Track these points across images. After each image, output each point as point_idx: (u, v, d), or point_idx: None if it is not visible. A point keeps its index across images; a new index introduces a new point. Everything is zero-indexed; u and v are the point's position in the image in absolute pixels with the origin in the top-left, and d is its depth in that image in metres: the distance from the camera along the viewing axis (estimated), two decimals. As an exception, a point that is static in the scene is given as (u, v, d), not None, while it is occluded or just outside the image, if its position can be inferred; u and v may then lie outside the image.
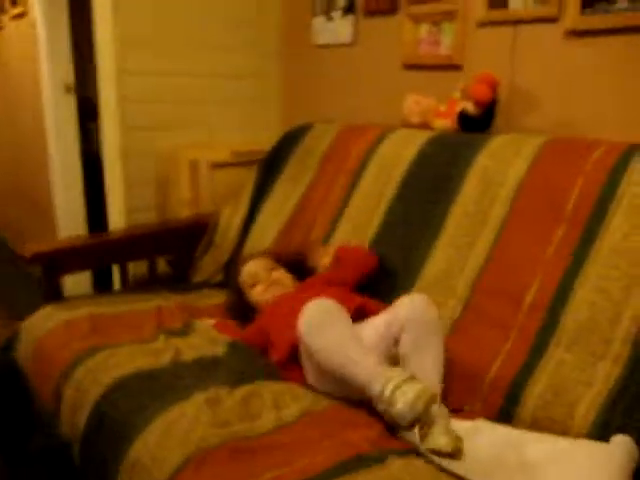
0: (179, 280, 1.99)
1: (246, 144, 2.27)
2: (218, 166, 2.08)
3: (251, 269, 1.68)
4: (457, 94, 1.78)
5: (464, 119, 1.69)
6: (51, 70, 2.75)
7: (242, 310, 1.65)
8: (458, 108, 1.72)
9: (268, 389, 1.25)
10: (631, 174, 1.26)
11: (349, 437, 1.10)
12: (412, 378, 1.12)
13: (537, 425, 1.18)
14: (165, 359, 1.38)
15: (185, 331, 1.55)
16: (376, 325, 1.31)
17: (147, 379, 1.29)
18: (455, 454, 1.07)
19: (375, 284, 1.57)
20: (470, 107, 1.67)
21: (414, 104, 1.79)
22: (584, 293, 1.22)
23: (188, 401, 1.18)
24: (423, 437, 1.08)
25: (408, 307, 1.28)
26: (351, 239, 1.69)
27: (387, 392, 1.09)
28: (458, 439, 1.07)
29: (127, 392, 1.25)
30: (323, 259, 1.67)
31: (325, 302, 1.25)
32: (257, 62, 2.37)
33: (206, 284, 1.95)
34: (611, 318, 1.17)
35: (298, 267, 1.70)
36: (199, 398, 1.18)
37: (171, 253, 1.99)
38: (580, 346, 1.20)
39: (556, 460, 1.06)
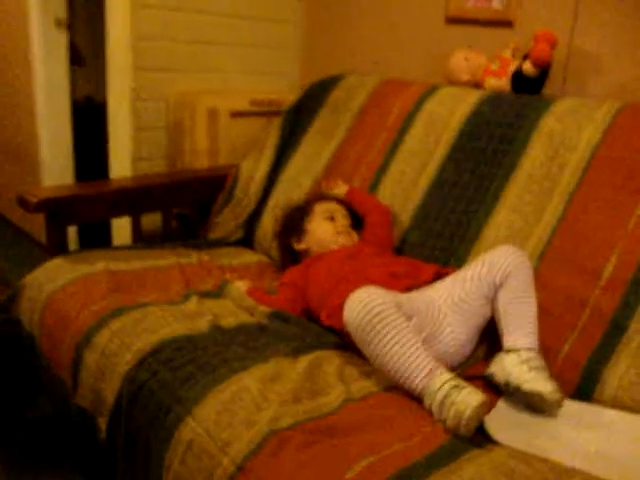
0: (192, 237, 1.85)
1: (264, 93, 2.12)
2: (237, 115, 1.93)
3: (330, 205, 1.57)
4: (508, 53, 1.67)
5: (519, 79, 1.59)
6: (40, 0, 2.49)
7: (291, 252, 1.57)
8: (512, 67, 1.61)
9: (330, 361, 1.13)
10: None
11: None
12: (458, 387, 1.00)
13: (619, 406, 1.12)
14: (202, 324, 1.24)
15: (218, 294, 1.43)
16: (468, 276, 1.21)
17: (189, 346, 1.15)
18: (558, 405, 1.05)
19: (422, 247, 1.48)
20: (529, 67, 1.56)
21: (463, 61, 1.68)
22: (671, 270, 1.16)
23: (247, 374, 1.05)
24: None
25: (511, 255, 1.18)
26: (395, 200, 1.58)
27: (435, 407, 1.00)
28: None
29: (167, 361, 1.11)
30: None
31: (371, 300, 1.06)
32: (279, 3, 2.20)
33: (224, 241, 1.81)
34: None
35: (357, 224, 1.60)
36: (259, 371, 1.06)
37: (186, 206, 1.84)
38: (665, 324, 1.14)
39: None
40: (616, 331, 1.17)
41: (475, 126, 1.53)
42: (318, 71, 2.13)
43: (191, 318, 1.26)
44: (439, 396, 0.99)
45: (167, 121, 1.96)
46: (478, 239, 1.39)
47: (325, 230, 1.53)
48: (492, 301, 1.21)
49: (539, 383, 1.07)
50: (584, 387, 1.15)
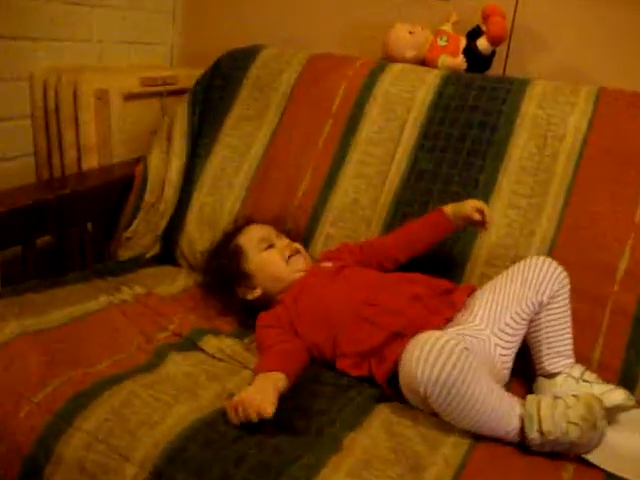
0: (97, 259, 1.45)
1: (147, 68, 1.72)
2: (130, 98, 1.53)
3: (259, 232, 1.29)
4: (449, 27, 1.55)
5: (472, 57, 1.48)
6: None
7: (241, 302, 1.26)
8: (462, 44, 1.50)
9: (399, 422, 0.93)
10: None
11: None
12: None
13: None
14: (211, 398, 0.95)
15: (193, 340, 1.12)
16: (511, 298, 1.07)
17: (216, 438, 0.86)
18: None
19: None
20: (484, 43, 1.46)
21: (407, 34, 1.51)
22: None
23: (330, 471, 0.81)
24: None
25: (555, 273, 1.08)
26: (362, 195, 1.38)
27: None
28: None
29: (199, 469, 0.81)
30: None
31: (452, 350, 0.88)
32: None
33: (140, 260, 1.46)
34: None
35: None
36: (342, 462, 0.82)
37: (83, 221, 1.42)
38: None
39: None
40: (641, 329, 1.16)
41: (444, 110, 1.38)
42: (209, 41, 1.81)
43: (191, 391, 0.96)
44: (545, 413, 0.89)
45: (32, 107, 1.49)
46: (475, 242, 1.27)
47: (273, 263, 1.26)
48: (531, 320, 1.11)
49: (612, 395, 1.02)
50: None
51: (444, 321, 1.07)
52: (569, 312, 1.11)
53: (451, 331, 1.02)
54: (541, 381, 1.09)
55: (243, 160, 1.49)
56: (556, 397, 0.92)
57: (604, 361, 1.14)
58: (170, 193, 1.48)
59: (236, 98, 1.55)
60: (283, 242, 1.28)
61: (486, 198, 1.29)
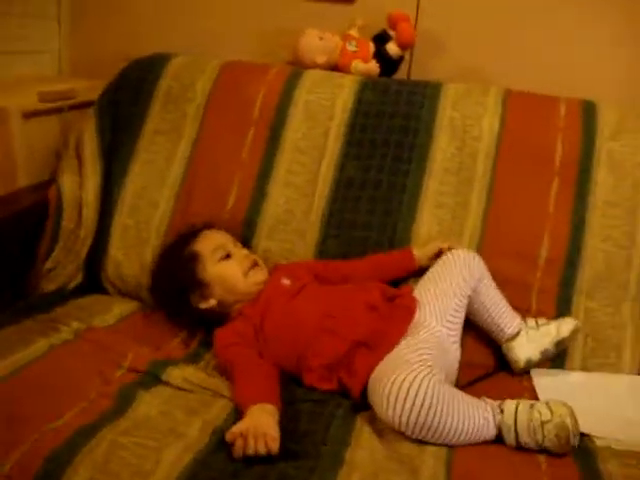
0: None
1: (36, 81, 1.57)
2: (30, 115, 1.40)
3: (217, 239, 1.26)
4: (355, 31, 1.59)
5: (383, 62, 1.53)
6: None
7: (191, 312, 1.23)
8: (371, 49, 1.54)
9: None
10: (603, 128, 1.37)
11: None
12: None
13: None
14: (195, 433, 0.92)
15: (155, 374, 1.07)
16: (450, 292, 1.17)
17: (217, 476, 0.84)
18: None
19: (345, 259, 1.34)
20: (394, 48, 1.51)
21: (318, 40, 1.52)
22: (595, 242, 1.30)
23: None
24: None
25: (474, 260, 1.22)
26: (293, 206, 1.39)
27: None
28: None
29: None
30: None
31: (425, 390, 0.92)
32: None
33: (65, 291, 1.35)
34: (624, 263, 1.30)
35: None
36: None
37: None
38: (601, 293, 1.29)
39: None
40: (564, 305, 1.28)
41: (365, 117, 1.42)
42: (100, 50, 1.70)
43: (174, 432, 0.93)
44: (522, 425, 0.95)
45: None
46: (411, 240, 1.33)
47: (231, 275, 1.23)
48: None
49: (564, 325, 1.20)
50: (554, 364, 1.25)
51: (403, 330, 1.12)
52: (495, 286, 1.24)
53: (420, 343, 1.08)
54: (507, 345, 1.21)
55: (165, 176, 1.43)
56: (532, 405, 0.98)
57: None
58: (89, 216, 1.40)
59: (148, 112, 1.47)
60: (241, 252, 1.26)
61: (414, 200, 1.36)
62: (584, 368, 1.25)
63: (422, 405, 0.92)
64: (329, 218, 1.38)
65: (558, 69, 1.54)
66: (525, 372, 1.23)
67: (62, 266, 1.36)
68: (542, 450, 0.96)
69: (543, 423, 0.95)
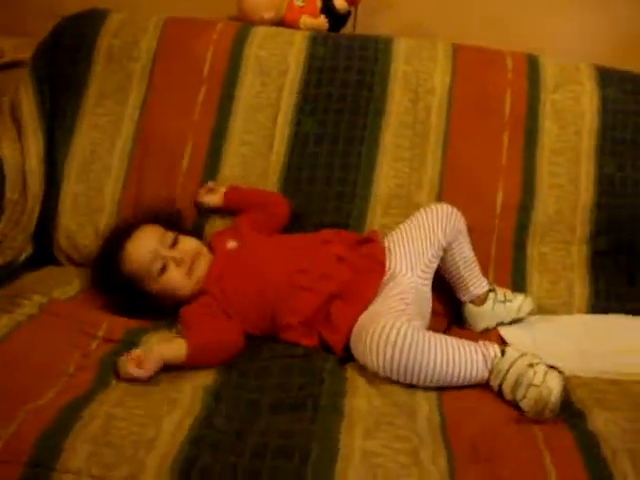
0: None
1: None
2: (-43, 78, 1.29)
3: (145, 247, 1.17)
4: (299, -15, 1.55)
5: (331, 17, 1.51)
6: None
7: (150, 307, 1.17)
8: (319, 3, 1.51)
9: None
10: (547, 80, 1.42)
11: None
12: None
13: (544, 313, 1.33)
14: (188, 397, 0.91)
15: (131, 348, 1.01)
16: (426, 246, 1.19)
17: (219, 436, 0.83)
18: None
19: (308, 215, 1.34)
20: (341, 3, 1.50)
21: (265, -5, 1.48)
22: (545, 189, 1.37)
23: (347, 436, 0.85)
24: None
25: (453, 216, 1.22)
26: (250, 165, 1.37)
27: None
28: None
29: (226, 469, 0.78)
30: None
31: (405, 331, 0.96)
32: None
33: (14, 265, 1.27)
34: (572, 207, 1.38)
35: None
36: (354, 428, 0.86)
37: None
38: (552, 237, 1.36)
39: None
40: (520, 250, 1.35)
41: (318, 72, 1.41)
42: (19, 8, 1.57)
43: (167, 397, 0.91)
44: (511, 376, 0.97)
45: None
46: (371, 194, 1.35)
47: (175, 285, 1.17)
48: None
49: (525, 306, 1.24)
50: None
51: (377, 281, 1.15)
52: (470, 245, 1.27)
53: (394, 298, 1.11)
54: (470, 308, 1.25)
55: (114, 139, 1.37)
56: (532, 364, 0.97)
57: (497, 281, 1.32)
58: (35, 185, 1.31)
59: (90, 72, 1.39)
60: (175, 253, 1.18)
61: (372, 153, 1.38)
62: (541, 309, 1.33)
63: (403, 348, 0.95)
64: (287, 175, 1.37)
65: (500, 23, 1.59)
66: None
67: (10, 240, 1.27)
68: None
69: (530, 385, 0.95)
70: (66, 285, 1.22)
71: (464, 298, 1.26)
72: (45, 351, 0.99)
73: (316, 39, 1.45)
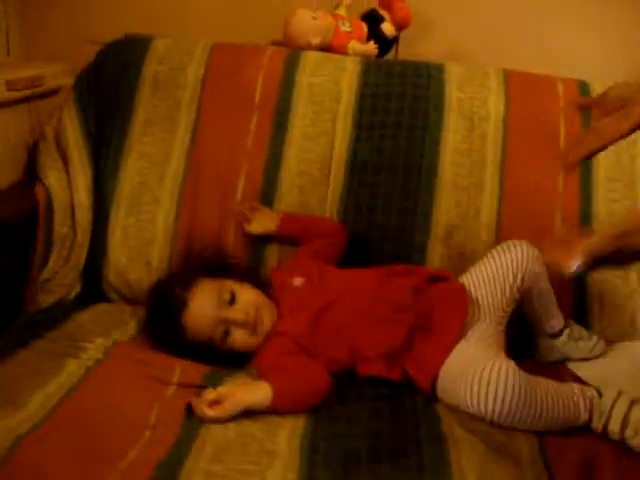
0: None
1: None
2: None
3: (205, 314, 1.09)
4: (343, 11, 1.53)
5: (378, 42, 1.48)
6: None
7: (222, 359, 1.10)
8: (365, 29, 1.48)
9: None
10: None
11: None
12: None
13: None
14: (281, 446, 0.86)
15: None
16: (501, 290, 1.13)
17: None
18: None
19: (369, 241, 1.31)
20: (389, 28, 1.47)
21: (312, 20, 1.44)
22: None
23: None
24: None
25: (531, 259, 1.14)
26: (308, 196, 1.32)
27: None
28: None
29: None
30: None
31: (512, 373, 0.93)
32: None
33: (66, 304, 1.20)
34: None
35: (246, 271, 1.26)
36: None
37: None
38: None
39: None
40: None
41: (372, 99, 1.37)
42: (53, 28, 1.51)
43: (263, 449, 0.85)
44: (617, 415, 0.94)
45: None
46: (432, 223, 1.31)
47: (242, 347, 1.11)
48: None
49: (598, 346, 1.21)
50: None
51: (461, 312, 1.10)
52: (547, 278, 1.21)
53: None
54: (544, 340, 1.21)
55: (164, 169, 1.31)
56: (632, 401, 0.96)
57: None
58: (84, 219, 1.25)
59: (136, 99, 1.34)
60: (236, 313, 1.10)
61: (430, 182, 1.34)
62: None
63: (514, 392, 0.91)
64: (346, 205, 1.33)
65: (544, 50, 1.58)
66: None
67: (61, 275, 1.21)
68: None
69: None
70: (123, 325, 1.16)
71: (540, 331, 1.23)
72: (121, 401, 0.93)
73: (368, 65, 1.42)
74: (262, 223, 1.29)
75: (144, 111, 1.34)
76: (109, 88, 1.35)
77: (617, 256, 1.30)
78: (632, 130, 0.85)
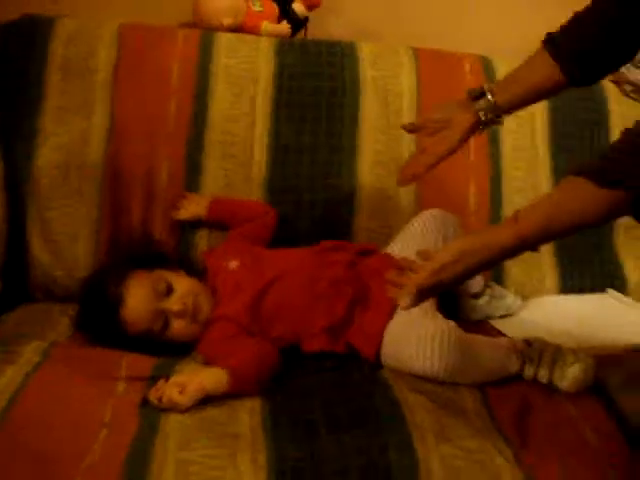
0: None
1: None
2: None
3: (141, 307, 1.08)
4: (249, -10, 1.51)
5: (290, 22, 1.48)
6: None
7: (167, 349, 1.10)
8: (276, 9, 1.48)
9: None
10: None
11: None
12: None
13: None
14: (244, 430, 0.87)
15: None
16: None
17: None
18: None
19: (296, 222, 1.33)
20: (300, 8, 1.48)
21: (223, 0, 1.41)
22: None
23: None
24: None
25: (446, 219, 1.24)
26: (230, 180, 1.32)
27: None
28: None
29: None
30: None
31: (451, 332, 1.01)
32: None
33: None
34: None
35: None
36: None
37: None
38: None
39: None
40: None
41: (290, 79, 1.38)
42: None
43: (224, 432, 0.86)
44: (545, 362, 1.02)
45: None
46: (356, 200, 1.36)
47: (181, 335, 1.10)
48: None
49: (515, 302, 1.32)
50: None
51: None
52: None
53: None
54: (467, 300, 1.29)
55: (84, 159, 1.25)
56: (557, 348, 1.04)
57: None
58: (-1, 214, 1.17)
59: (45, 85, 1.26)
60: (173, 303, 1.09)
61: (352, 160, 1.38)
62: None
63: (456, 350, 0.98)
64: (271, 186, 1.34)
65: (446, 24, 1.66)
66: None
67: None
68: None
69: (566, 364, 1.00)
70: (56, 325, 1.12)
71: (463, 292, 1.30)
72: (71, 402, 0.90)
73: (283, 45, 1.42)
74: (190, 209, 1.29)
75: (55, 98, 1.26)
76: (12, 73, 1.26)
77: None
78: (460, 144, 1.00)
